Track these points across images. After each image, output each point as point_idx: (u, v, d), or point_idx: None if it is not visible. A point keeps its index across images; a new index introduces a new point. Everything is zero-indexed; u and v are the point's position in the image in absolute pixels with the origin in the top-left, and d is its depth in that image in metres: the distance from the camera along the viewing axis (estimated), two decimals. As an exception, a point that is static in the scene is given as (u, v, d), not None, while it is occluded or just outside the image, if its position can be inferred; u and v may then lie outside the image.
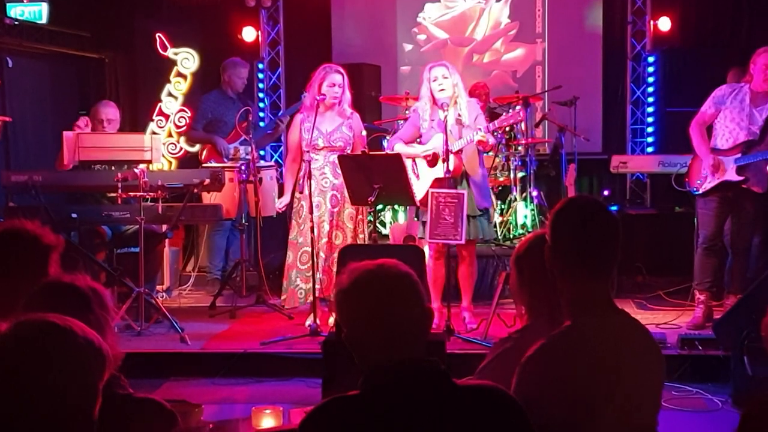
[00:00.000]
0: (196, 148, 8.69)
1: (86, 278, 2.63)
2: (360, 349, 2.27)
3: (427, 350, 2.29)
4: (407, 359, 2.23)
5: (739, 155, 6.56)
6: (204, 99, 8.61)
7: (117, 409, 2.35)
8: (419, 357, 2.25)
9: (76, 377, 1.90)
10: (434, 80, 6.52)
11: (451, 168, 6.23)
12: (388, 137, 8.69)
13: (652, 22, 10.22)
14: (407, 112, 8.62)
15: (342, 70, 6.82)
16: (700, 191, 6.70)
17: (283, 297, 6.95)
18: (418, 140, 6.75)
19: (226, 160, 8.15)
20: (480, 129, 6.33)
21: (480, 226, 6.56)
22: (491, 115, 8.76)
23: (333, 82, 6.71)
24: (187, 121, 8.80)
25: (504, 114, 6.58)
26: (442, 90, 6.47)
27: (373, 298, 2.24)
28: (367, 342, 2.25)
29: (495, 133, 8.00)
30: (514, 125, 8.50)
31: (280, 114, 9.54)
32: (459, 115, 6.50)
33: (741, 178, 6.56)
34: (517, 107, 6.65)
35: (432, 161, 6.54)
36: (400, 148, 6.67)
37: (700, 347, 6.05)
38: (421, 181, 6.59)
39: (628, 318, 2.67)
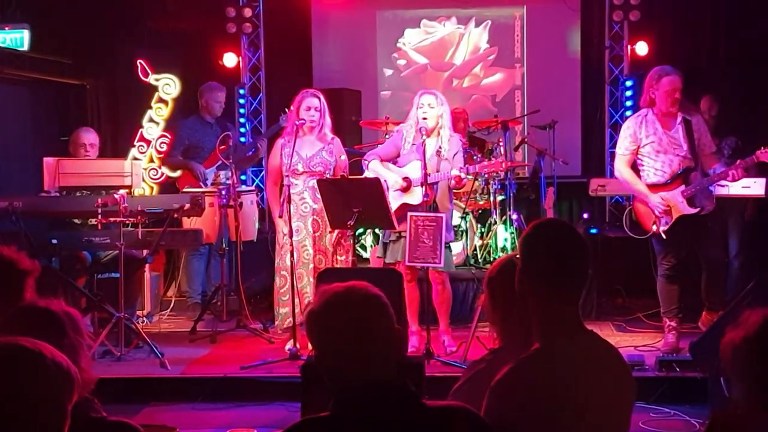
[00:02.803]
0: (177, 173, 8.71)
1: (61, 303, 2.65)
2: (330, 370, 2.29)
3: (405, 373, 2.32)
4: (377, 380, 2.26)
5: (683, 187, 6.43)
6: (182, 125, 8.65)
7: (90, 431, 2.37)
8: (389, 378, 2.28)
9: (45, 399, 1.93)
10: (420, 107, 6.59)
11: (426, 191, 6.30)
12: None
13: (629, 47, 10.31)
14: (387, 136, 8.66)
15: (319, 94, 6.88)
16: (663, 234, 6.48)
17: (277, 322, 7.00)
18: (396, 161, 6.79)
19: (203, 185, 8.18)
20: (461, 169, 6.42)
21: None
22: (470, 139, 8.84)
23: (309, 105, 6.77)
24: (165, 147, 8.82)
25: (486, 161, 6.64)
26: (425, 119, 6.54)
27: (342, 320, 2.26)
28: (338, 363, 2.28)
29: (474, 157, 8.09)
30: (493, 149, 8.59)
31: (258, 137, 9.57)
32: (440, 147, 6.55)
33: (697, 209, 6.43)
34: (502, 162, 6.69)
35: (405, 188, 6.59)
36: (375, 165, 6.73)
37: (677, 369, 6.07)
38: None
39: (597, 339, 2.68)
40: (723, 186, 6.75)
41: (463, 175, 6.42)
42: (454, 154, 6.59)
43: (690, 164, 6.48)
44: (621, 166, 6.65)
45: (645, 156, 6.56)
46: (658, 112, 6.51)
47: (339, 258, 6.84)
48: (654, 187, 6.53)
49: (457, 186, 6.65)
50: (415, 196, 6.55)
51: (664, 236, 6.50)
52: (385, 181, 6.63)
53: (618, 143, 6.75)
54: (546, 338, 2.58)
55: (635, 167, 6.65)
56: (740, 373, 2.19)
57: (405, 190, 6.60)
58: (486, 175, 8.46)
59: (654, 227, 6.53)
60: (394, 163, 6.79)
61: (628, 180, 6.62)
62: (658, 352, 6.59)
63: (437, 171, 6.47)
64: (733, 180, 6.44)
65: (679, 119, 6.49)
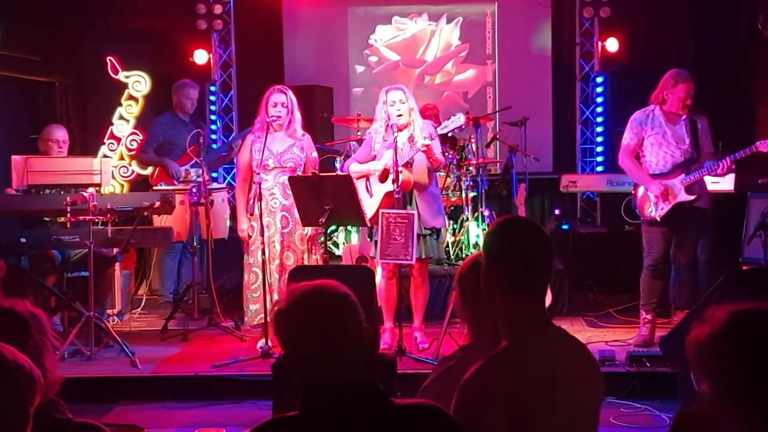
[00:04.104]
0: (149, 170, 8.66)
1: (26, 303, 2.62)
2: (298, 369, 2.28)
3: (377, 370, 2.31)
4: (345, 379, 2.25)
5: (683, 175, 6.66)
6: (155, 122, 8.59)
7: (55, 434, 2.35)
8: (357, 377, 2.27)
9: (5, 402, 1.91)
10: (392, 104, 6.54)
11: (399, 181, 6.26)
12: (339, 158, 8.71)
13: (600, 44, 10.36)
14: (359, 133, 8.65)
15: (287, 90, 6.87)
16: (659, 219, 6.71)
17: (246, 318, 6.99)
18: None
19: (177, 182, 8.14)
20: (426, 137, 6.37)
21: (429, 246, 6.57)
22: (442, 136, 8.81)
23: (276, 101, 6.75)
24: (138, 143, 8.77)
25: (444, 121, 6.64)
26: (400, 115, 6.51)
27: (310, 319, 2.25)
28: (305, 362, 2.26)
29: (446, 153, 8.08)
30: (465, 146, 8.59)
31: (233, 137, 9.54)
32: (412, 134, 6.52)
33: (693, 196, 6.65)
34: (459, 114, 6.64)
35: (382, 176, 6.57)
36: (354, 167, 6.71)
37: (648, 364, 6.11)
38: (374, 198, 6.61)
39: (564, 335, 2.68)
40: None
41: (429, 141, 6.33)
42: (427, 135, 6.52)
43: (692, 156, 6.70)
44: (624, 156, 6.92)
45: (649, 147, 6.81)
46: (666, 110, 6.75)
47: (312, 256, 6.83)
48: (657, 176, 6.76)
49: (431, 161, 6.53)
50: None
51: (658, 219, 6.71)
52: (367, 179, 6.62)
53: (624, 134, 6.96)
54: (513, 335, 2.57)
55: (638, 158, 6.90)
56: (705, 370, 2.19)
57: (384, 178, 6.56)
58: (458, 172, 8.49)
59: (651, 212, 6.73)
60: None
61: (630, 168, 6.90)
62: (629, 347, 6.62)
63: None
64: (723, 172, 6.66)
65: (684, 116, 6.74)
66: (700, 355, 2.17)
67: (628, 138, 6.88)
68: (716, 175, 6.72)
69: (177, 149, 8.34)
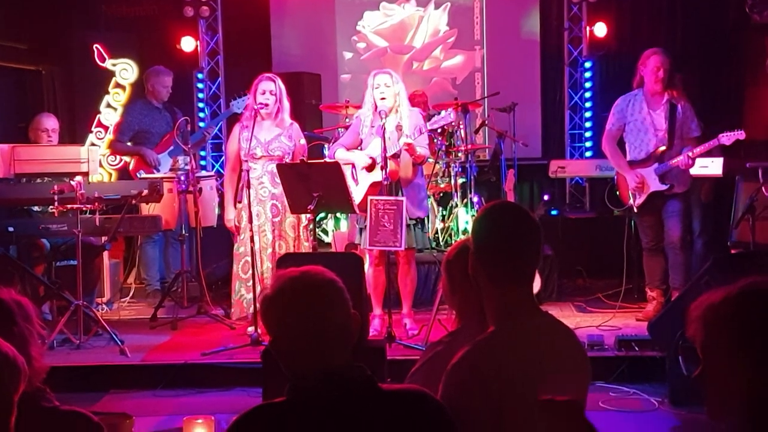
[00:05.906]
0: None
1: (11, 291, 2.61)
2: (286, 356, 2.27)
3: (367, 356, 2.30)
4: (333, 365, 2.24)
5: (656, 165, 6.84)
6: (129, 110, 8.54)
7: (42, 422, 2.34)
8: (345, 363, 2.26)
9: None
10: (377, 87, 6.53)
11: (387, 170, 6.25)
12: (328, 145, 8.69)
13: (588, 28, 10.33)
14: (348, 120, 8.63)
15: (275, 78, 6.85)
16: (636, 209, 7.01)
17: (232, 310, 6.97)
18: (360, 147, 6.75)
19: (155, 171, 8.11)
20: (408, 135, 6.35)
21: (413, 235, 6.57)
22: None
23: (264, 89, 6.74)
24: (111, 134, 8.71)
25: (435, 116, 6.65)
26: (383, 99, 6.49)
27: (297, 305, 2.24)
28: (292, 349, 2.25)
29: (435, 140, 8.07)
30: (454, 132, 8.57)
31: (206, 125, 9.51)
32: (399, 122, 6.51)
33: (666, 186, 6.85)
34: (449, 110, 6.67)
35: (369, 166, 6.56)
36: (340, 153, 6.70)
37: (636, 348, 6.13)
38: (360, 185, 6.61)
39: (552, 320, 2.68)
40: (684, 166, 6.98)
41: (411, 140, 6.32)
42: (415, 127, 6.51)
43: (665, 145, 6.85)
44: (606, 141, 7.15)
45: (628, 133, 7.04)
46: (647, 92, 6.91)
47: (304, 244, 6.81)
48: (633, 163, 6.99)
49: (415, 158, 6.52)
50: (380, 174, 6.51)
51: (635, 209, 7.00)
52: (353, 166, 6.61)
53: (608, 119, 7.16)
54: (500, 321, 2.57)
55: (622, 143, 7.15)
56: (715, 336, 1.98)
57: (371, 168, 6.55)
58: (447, 158, 8.48)
59: (630, 200, 7.01)
60: (360, 148, 6.74)
61: (611, 153, 7.12)
62: (618, 332, 6.65)
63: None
64: (684, 167, 6.79)
65: (664, 100, 6.88)
66: (709, 321, 1.98)
67: (610, 123, 7.08)
68: (681, 167, 6.81)
69: (153, 137, 8.31)
